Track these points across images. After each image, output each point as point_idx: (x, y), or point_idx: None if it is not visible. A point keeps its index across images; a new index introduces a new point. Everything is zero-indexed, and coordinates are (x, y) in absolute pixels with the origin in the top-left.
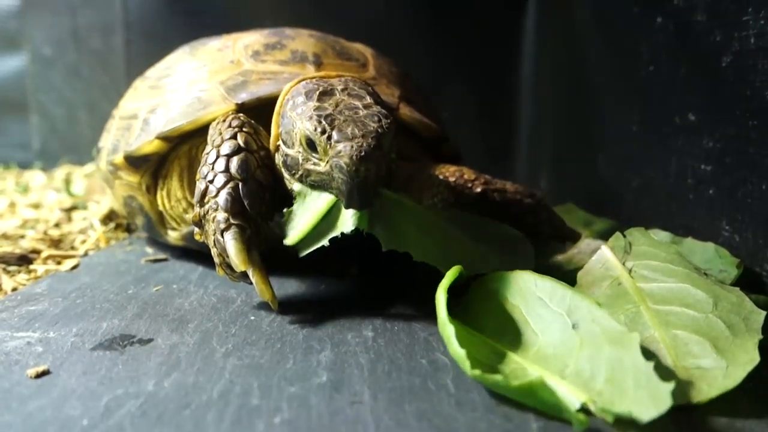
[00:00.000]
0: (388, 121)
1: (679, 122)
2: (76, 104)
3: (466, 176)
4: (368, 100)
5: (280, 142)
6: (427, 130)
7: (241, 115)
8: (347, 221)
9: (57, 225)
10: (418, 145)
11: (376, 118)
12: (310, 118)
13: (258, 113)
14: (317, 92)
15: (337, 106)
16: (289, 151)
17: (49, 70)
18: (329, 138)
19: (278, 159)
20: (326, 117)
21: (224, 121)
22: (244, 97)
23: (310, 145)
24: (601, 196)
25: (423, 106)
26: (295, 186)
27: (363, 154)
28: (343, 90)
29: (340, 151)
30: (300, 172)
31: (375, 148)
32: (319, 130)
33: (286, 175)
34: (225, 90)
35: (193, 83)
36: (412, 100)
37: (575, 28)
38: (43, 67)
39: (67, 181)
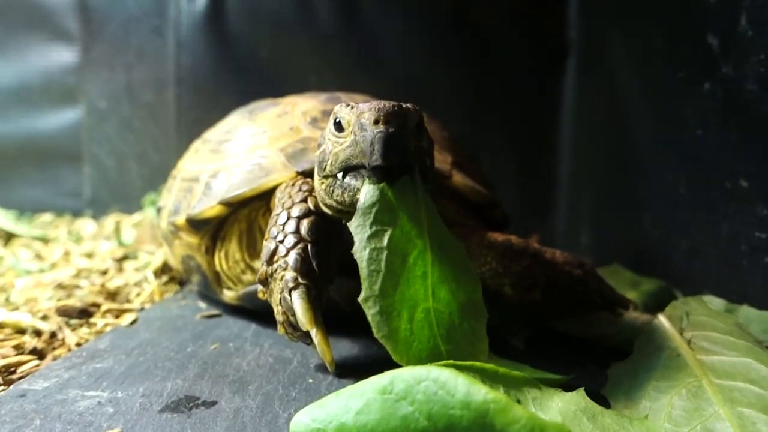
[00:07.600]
0: (414, 106)
1: (730, 187)
2: (127, 155)
3: (515, 246)
4: None
5: (316, 153)
6: (479, 197)
7: (310, 180)
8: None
9: (111, 276)
10: (468, 209)
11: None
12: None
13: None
14: None
15: None
16: (321, 149)
17: (103, 123)
18: (353, 108)
19: (320, 197)
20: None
21: (293, 185)
22: (305, 165)
23: (337, 126)
24: (647, 256)
25: (474, 171)
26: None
27: (383, 106)
28: None
29: (362, 112)
30: (329, 161)
31: (397, 109)
32: (344, 105)
33: (322, 188)
34: (285, 157)
35: (253, 149)
36: (463, 166)
37: (616, 87)
38: (97, 119)
39: (118, 230)
